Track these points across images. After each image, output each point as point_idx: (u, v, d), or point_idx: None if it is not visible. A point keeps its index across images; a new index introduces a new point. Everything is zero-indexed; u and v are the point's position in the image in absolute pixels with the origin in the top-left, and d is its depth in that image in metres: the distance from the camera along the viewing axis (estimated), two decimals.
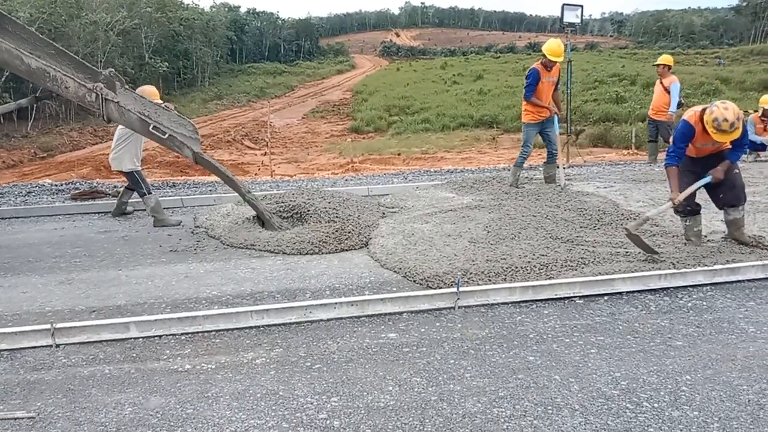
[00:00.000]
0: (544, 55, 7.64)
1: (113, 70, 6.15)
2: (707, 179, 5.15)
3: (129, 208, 7.48)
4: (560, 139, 8.23)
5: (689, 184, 5.22)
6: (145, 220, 7.06)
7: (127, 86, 6.15)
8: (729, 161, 5.17)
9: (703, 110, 4.97)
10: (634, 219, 5.66)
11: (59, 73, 5.54)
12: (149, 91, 6.94)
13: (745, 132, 5.06)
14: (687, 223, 5.43)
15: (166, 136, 5.89)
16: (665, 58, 10.39)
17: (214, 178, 11.36)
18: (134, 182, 7.00)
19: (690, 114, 5.11)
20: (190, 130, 6.17)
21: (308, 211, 6.37)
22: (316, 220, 6.17)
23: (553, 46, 7.59)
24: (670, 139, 8.46)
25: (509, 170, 9.71)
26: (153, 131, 5.84)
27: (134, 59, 33.27)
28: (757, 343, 3.67)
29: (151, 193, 6.99)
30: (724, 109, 4.79)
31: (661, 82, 10.33)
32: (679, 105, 10.26)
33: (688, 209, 5.34)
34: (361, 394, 3.15)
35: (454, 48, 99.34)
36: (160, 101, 6.83)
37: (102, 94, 5.65)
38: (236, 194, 6.42)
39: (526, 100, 7.77)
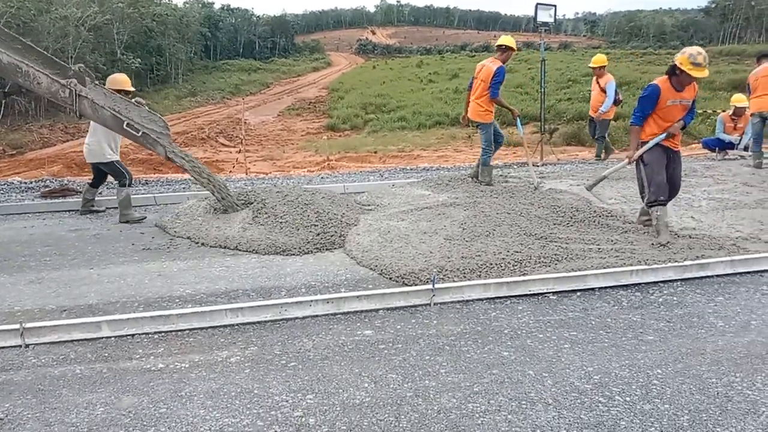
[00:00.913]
0: (508, 49, 7.75)
1: (83, 65, 6.05)
2: (663, 136, 5.56)
3: (101, 207, 7.36)
4: (531, 138, 8.40)
5: (660, 174, 5.56)
6: (117, 218, 6.95)
7: (97, 82, 6.06)
8: (683, 122, 5.61)
9: (670, 68, 5.41)
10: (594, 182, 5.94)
11: (32, 68, 5.43)
12: (120, 79, 6.81)
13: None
14: (658, 213, 5.57)
15: (140, 133, 5.81)
16: (598, 59, 10.58)
17: (188, 174, 11.24)
18: (116, 172, 6.85)
19: (653, 80, 5.57)
20: (161, 125, 6.11)
21: (283, 212, 6.22)
22: (293, 224, 6.01)
23: (511, 38, 7.96)
24: (612, 136, 8.73)
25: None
26: (127, 128, 5.76)
27: (106, 55, 32.71)
28: (725, 337, 3.75)
29: (131, 185, 6.95)
30: (691, 47, 5.33)
31: (598, 82, 10.51)
32: (617, 102, 10.42)
33: (661, 199, 5.54)
34: (337, 392, 3.14)
35: (429, 46, 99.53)
36: (132, 89, 6.73)
37: (76, 90, 5.54)
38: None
39: (494, 98, 7.66)
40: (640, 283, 4.64)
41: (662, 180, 5.54)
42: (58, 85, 5.53)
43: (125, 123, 5.75)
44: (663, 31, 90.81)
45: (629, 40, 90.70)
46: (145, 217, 6.92)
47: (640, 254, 5.06)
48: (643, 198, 5.82)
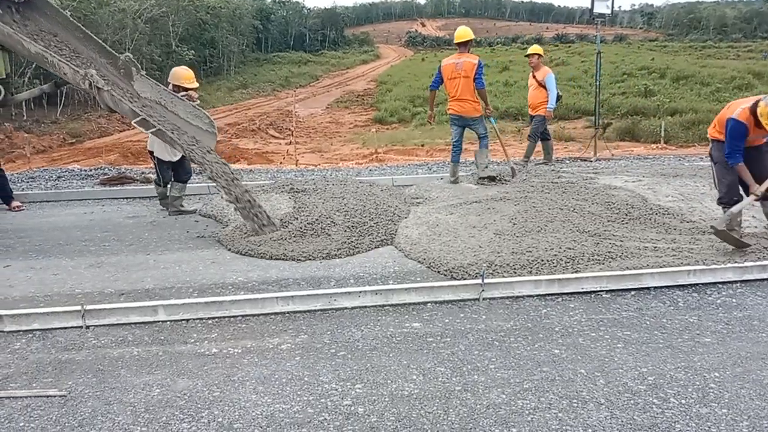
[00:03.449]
0: (469, 41, 7.89)
1: (129, 55, 6.05)
2: None
3: (196, 206, 7.08)
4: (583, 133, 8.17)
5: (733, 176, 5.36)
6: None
7: (143, 72, 6.07)
8: None
9: (754, 104, 5.03)
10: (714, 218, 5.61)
11: (56, 58, 5.39)
12: (178, 74, 6.70)
13: None
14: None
15: (152, 130, 5.61)
16: (535, 48, 9.47)
17: (238, 165, 11.45)
18: (156, 168, 6.85)
19: (738, 112, 5.14)
20: (207, 123, 6.02)
21: (333, 223, 5.82)
22: (341, 234, 5.62)
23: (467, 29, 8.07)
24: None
25: (543, 163, 9.63)
26: (137, 124, 5.55)
27: (161, 47, 33.48)
28: None
29: (164, 186, 6.86)
30: None
31: (534, 76, 9.41)
32: (559, 98, 9.43)
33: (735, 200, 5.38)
34: (386, 382, 3.16)
35: (480, 39, 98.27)
36: (189, 85, 6.64)
37: (93, 82, 5.39)
38: (263, 185, 6.43)
39: (482, 88, 7.80)
40: (697, 284, 4.49)
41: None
42: (79, 76, 5.43)
43: (139, 118, 5.56)
44: (724, 23, 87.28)
45: (688, 33, 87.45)
46: (195, 211, 6.86)
47: (697, 254, 4.90)
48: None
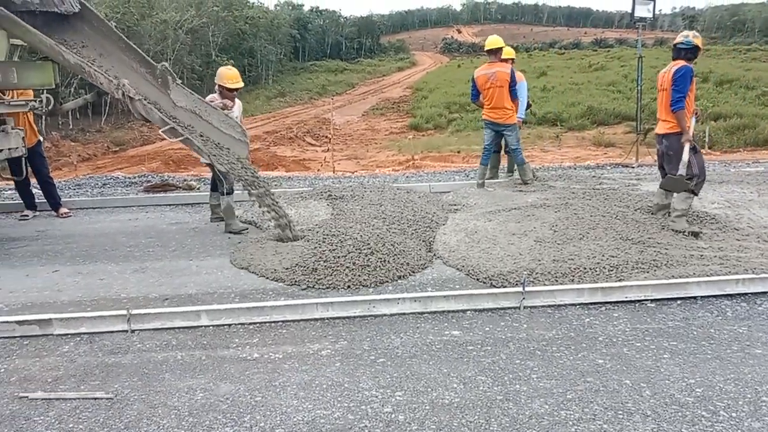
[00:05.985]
0: (500, 50, 7.88)
1: (166, 64, 6.12)
2: (694, 119, 5.86)
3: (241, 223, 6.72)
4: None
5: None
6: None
7: (179, 81, 6.16)
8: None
9: (692, 51, 5.75)
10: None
11: (92, 69, 5.52)
12: (221, 74, 6.48)
13: None
14: (691, 202, 5.75)
15: (180, 138, 5.66)
16: (507, 51, 8.21)
17: (277, 172, 11.58)
18: (218, 176, 6.42)
19: (679, 64, 5.73)
20: (239, 132, 6.02)
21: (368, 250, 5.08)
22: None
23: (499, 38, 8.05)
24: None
25: (579, 169, 9.49)
26: (164, 132, 5.57)
27: (202, 57, 34.15)
28: None
29: (230, 194, 6.46)
30: (687, 31, 5.95)
31: None
32: (528, 106, 8.80)
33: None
34: (426, 390, 3.14)
35: (516, 44, 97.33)
36: (232, 85, 6.44)
37: (125, 92, 5.47)
38: (297, 192, 6.46)
39: (516, 99, 7.98)
40: (746, 293, 4.35)
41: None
42: (113, 86, 5.51)
43: (167, 127, 5.63)
44: None
45: (732, 36, 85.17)
46: (247, 228, 6.52)
47: (746, 262, 4.75)
48: (671, 178, 5.83)
